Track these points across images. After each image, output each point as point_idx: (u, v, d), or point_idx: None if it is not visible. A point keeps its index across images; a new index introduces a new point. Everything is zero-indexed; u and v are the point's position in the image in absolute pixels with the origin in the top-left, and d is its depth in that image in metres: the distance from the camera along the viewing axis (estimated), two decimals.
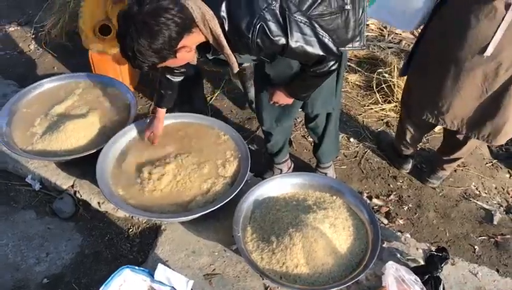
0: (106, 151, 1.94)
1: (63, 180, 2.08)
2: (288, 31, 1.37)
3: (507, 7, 1.56)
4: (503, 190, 2.46)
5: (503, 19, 1.58)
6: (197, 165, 1.92)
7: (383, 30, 3.41)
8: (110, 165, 1.93)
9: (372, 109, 2.89)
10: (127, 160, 1.95)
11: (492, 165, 2.60)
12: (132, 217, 2.00)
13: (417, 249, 1.81)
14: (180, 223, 1.87)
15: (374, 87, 2.92)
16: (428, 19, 1.88)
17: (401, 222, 2.26)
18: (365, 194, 2.39)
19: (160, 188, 1.83)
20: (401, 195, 2.40)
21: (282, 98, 1.76)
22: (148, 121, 2.04)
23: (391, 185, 2.45)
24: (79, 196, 2.04)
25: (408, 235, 1.93)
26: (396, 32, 3.35)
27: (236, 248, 1.68)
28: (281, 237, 1.65)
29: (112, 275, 1.46)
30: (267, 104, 1.88)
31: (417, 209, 2.33)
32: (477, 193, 2.43)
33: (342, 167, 2.54)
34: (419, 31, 1.99)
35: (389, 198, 2.38)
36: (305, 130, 2.47)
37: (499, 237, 2.20)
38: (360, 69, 3.08)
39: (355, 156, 2.61)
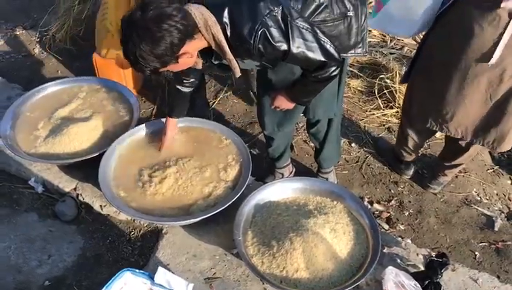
0: (109, 155, 1.95)
1: (66, 183, 2.09)
2: (290, 36, 1.38)
3: (510, 15, 1.57)
4: (505, 196, 2.45)
5: (506, 27, 1.59)
6: (199, 169, 1.93)
7: (385, 36, 3.41)
8: (112, 168, 1.94)
9: (373, 114, 2.89)
10: (129, 163, 1.96)
11: (493, 171, 2.59)
12: (134, 220, 2.01)
13: (417, 254, 1.81)
14: (182, 226, 1.88)
15: (376, 93, 2.93)
16: (431, 26, 1.88)
17: (401, 227, 2.26)
18: (366, 199, 2.39)
19: (162, 191, 1.84)
20: (402, 200, 2.40)
21: (283, 103, 1.77)
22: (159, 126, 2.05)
23: (392, 191, 2.45)
24: (81, 199, 2.05)
25: (409, 240, 1.93)
26: (399, 38, 3.36)
27: (237, 252, 1.69)
28: (281, 242, 1.65)
29: (113, 278, 1.47)
30: (269, 109, 1.89)
31: (418, 214, 2.33)
32: (479, 199, 2.42)
33: (343, 171, 2.54)
34: (421, 36, 1.99)
35: (390, 203, 2.38)
36: (307, 135, 2.48)
37: (499, 243, 2.20)
38: (362, 75, 3.08)
39: (357, 161, 2.61)
